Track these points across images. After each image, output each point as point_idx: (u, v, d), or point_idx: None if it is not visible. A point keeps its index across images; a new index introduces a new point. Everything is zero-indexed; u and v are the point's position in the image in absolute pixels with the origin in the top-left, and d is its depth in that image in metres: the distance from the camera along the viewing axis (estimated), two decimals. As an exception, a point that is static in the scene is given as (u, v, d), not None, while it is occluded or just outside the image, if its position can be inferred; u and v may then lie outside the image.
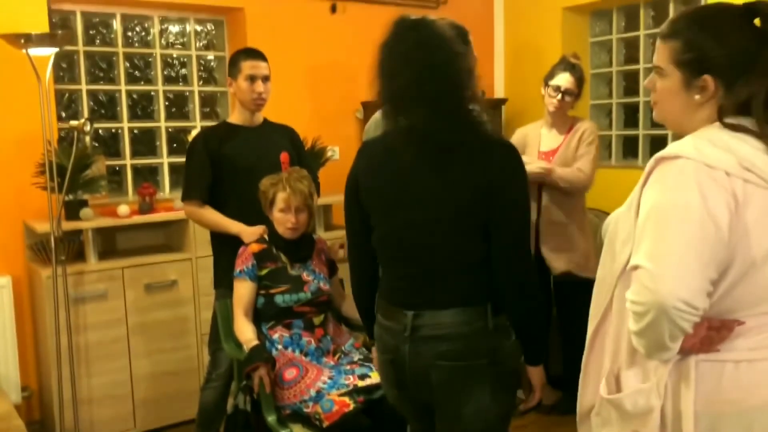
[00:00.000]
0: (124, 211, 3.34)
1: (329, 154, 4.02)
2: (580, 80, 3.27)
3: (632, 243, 1.30)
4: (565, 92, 3.22)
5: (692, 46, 1.33)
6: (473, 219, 1.63)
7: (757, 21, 1.31)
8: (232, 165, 2.76)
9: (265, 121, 2.95)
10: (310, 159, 3.34)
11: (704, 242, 1.21)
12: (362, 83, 4.47)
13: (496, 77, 4.83)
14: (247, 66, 2.79)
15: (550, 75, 3.28)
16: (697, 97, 1.34)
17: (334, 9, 4.18)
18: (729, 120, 1.29)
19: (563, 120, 3.31)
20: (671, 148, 1.30)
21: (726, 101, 1.31)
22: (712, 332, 1.28)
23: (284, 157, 2.85)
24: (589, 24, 4.55)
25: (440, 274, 1.68)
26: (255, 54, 2.83)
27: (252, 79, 2.78)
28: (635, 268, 1.25)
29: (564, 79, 3.24)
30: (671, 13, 4.03)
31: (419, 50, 1.64)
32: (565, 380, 3.50)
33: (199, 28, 4.06)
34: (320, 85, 4.17)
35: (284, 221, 2.55)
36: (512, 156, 1.67)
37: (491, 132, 1.74)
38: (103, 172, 3.49)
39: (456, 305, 1.66)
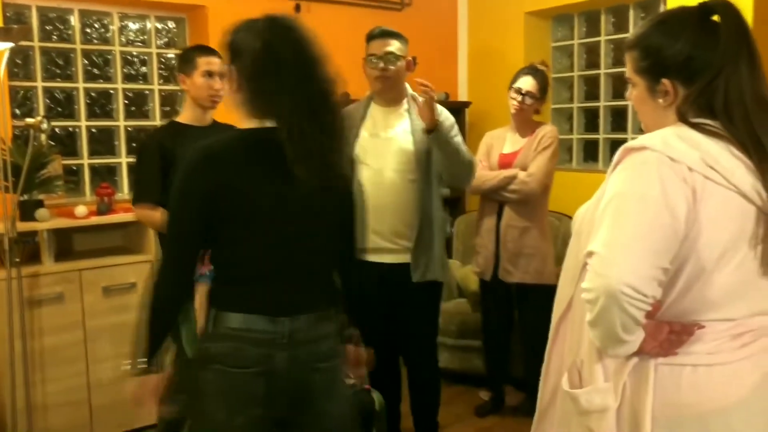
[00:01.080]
0: (82, 211, 3.26)
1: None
2: (543, 85, 3.30)
3: (593, 234, 1.31)
4: (526, 95, 3.26)
5: (649, 53, 1.37)
6: (337, 223, 1.76)
7: (716, 17, 1.33)
8: None
9: (214, 122, 2.91)
10: None
11: (658, 231, 1.23)
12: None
13: (460, 80, 4.86)
14: (204, 62, 2.74)
15: (514, 78, 3.32)
16: (661, 101, 1.37)
17: (298, 8, 4.15)
18: (694, 120, 1.31)
19: (527, 124, 3.34)
20: (640, 139, 1.32)
21: (685, 102, 1.33)
22: (673, 336, 1.30)
23: None
24: (551, 29, 4.61)
25: (316, 278, 1.73)
26: (210, 50, 2.79)
27: (209, 75, 2.74)
28: (590, 254, 1.27)
29: (526, 82, 3.27)
30: (631, 19, 4.11)
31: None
32: (528, 382, 3.54)
33: (159, 25, 3.98)
34: (284, 85, 4.13)
35: None
36: None
37: None
38: (60, 171, 3.40)
39: (324, 308, 1.72)
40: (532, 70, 3.32)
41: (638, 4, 4.09)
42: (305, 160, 1.57)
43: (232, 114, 1.75)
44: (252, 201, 1.62)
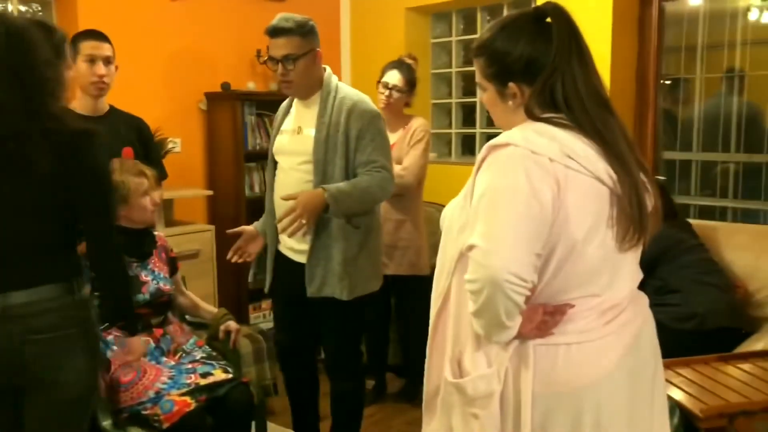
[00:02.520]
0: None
1: (170, 146, 3.87)
2: (409, 78, 3.35)
3: (469, 229, 1.38)
4: (392, 89, 3.32)
5: (494, 60, 1.46)
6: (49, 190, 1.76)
7: (548, 19, 1.44)
8: None
9: (112, 109, 2.78)
10: (156, 151, 3.19)
11: (530, 219, 1.31)
12: (205, 73, 4.39)
13: (343, 74, 4.89)
14: (87, 47, 2.62)
15: (382, 73, 3.38)
16: (510, 103, 1.47)
17: (175, -5, 4.02)
18: (543, 115, 1.41)
19: (397, 118, 3.39)
20: (501, 137, 1.40)
21: (530, 101, 1.43)
22: (547, 317, 1.39)
23: (127, 152, 2.70)
24: (430, 25, 4.72)
25: (29, 254, 1.76)
26: (93, 34, 2.66)
27: (92, 60, 2.62)
28: (470, 248, 1.34)
29: (392, 77, 3.34)
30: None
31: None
32: (406, 368, 3.64)
33: (23, 8, 3.74)
34: (161, 74, 4.00)
35: (148, 205, 2.47)
36: None
37: None
38: None
39: (47, 282, 1.76)
40: (398, 64, 3.38)
41: (512, 3, 4.27)
42: None
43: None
44: None
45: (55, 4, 3.79)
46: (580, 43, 1.43)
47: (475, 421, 1.42)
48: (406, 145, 3.31)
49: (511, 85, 1.45)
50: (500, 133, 1.45)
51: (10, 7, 3.66)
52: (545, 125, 1.39)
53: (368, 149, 2.45)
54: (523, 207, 1.31)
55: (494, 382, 1.39)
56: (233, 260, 2.64)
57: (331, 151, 2.44)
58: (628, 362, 1.42)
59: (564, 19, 1.43)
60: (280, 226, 2.29)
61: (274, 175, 2.63)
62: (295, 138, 2.55)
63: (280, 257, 2.63)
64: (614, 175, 1.38)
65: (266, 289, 2.71)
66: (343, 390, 2.70)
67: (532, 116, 1.42)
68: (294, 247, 2.56)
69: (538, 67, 1.41)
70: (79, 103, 2.70)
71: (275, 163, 2.63)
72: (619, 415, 1.41)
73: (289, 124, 2.60)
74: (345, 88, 2.54)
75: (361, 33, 4.82)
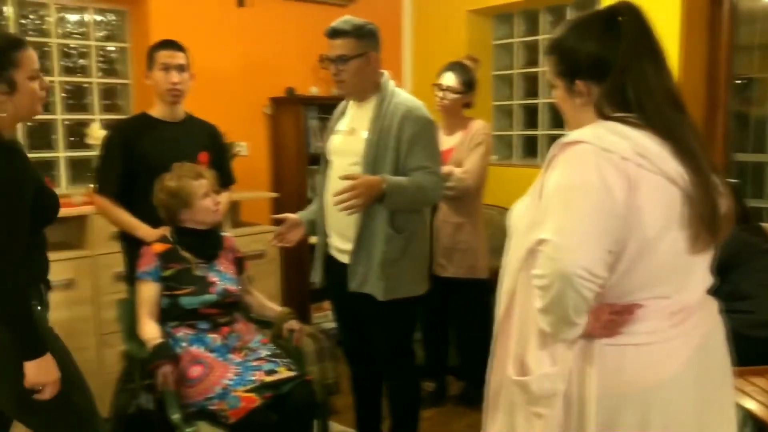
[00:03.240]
0: (18, 207, 3.18)
1: (237, 150, 3.98)
2: (465, 79, 3.33)
3: (538, 226, 1.38)
4: (447, 90, 3.31)
5: (563, 57, 1.47)
6: None
7: (621, 18, 1.42)
8: (146, 161, 2.69)
9: (189, 116, 2.89)
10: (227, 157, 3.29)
11: (602, 215, 1.31)
12: (270, 79, 4.49)
13: (404, 78, 4.92)
14: (161, 56, 2.74)
15: (439, 75, 3.38)
16: (578, 101, 1.47)
17: (241, 2, 4.13)
18: (615, 115, 1.40)
19: (455, 120, 3.38)
20: (573, 134, 1.40)
21: (600, 100, 1.43)
22: (614, 316, 1.38)
23: (203, 157, 2.80)
24: (492, 27, 4.70)
25: None
26: (168, 44, 2.78)
27: (166, 68, 2.73)
28: (541, 242, 1.34)
29: (446, 78, 3.33)
30: (569, 18, 4.22)
31: None
32: (466, 371, 3.62)
33: (99, 18, 3.91)
34: (228, 80, 4.12)
35: (211, 206, 2.54)
36: None
37: None
38: (-5, 166, 3.31)
39: None
40: (453, 66, 3.37)
41: (575, 3, 4.21)
42: None
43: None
44: None
45: (129, 14, 3.96)
46: (653, 43, 1.42)
47: (539, 420, 1.42)
48: (466, 149, 3.30)
49: (578, 82, 1.45)
50: (563, 133, 1.45)
51: (87, 17, 3.83)
52: (616, 124, 1.38)
53: (420, 155, 2.47)
54: (595, 202, 1.32)
55: (558, 381, 1.39)
56: (274, 245, 2.75)
57: (382, 153, 2.47)
58: (697, 366, 1.40)
59: (636, 18, 1.42)
60: (335, 198, 2.32)
61: (326, 174, 2.68)
62: (348, 139, 2.59)
63: (329, 259, 2.68)
64: (686, 177, 1.36)
65: (318, 284, 2.77)
66: (396, 389, 2.74)
67: (603, 115, 1.41)
68: (339, 247, 2.61)
69: (607, 66, 1.40)
70: (157, 110, 2.82)
71: (327, 162, 2.68)
72: (686, 419, 1.39)
73: (343, 125, 2.65)
74: (401, 94, 2.57)
75: (423, 36, 4.84)
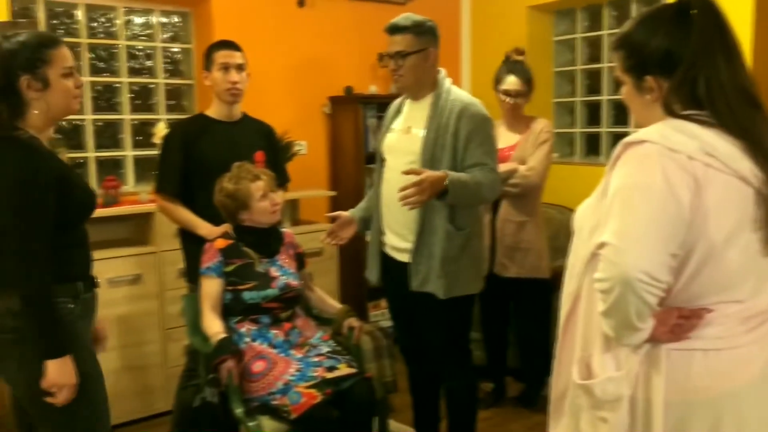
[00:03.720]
0: (88, 204, 3.29)
1: (297, 148, 4.02)
2: (527, 79, 3.30)
3: (601, 228, 1.35)
4: (516, 95, 3.28)
5: (631, 52, 1.42)
6: None
7: (693, 12, 1.37)
8: (205, 161, 2.75)
9: (245, 116, 2.94)
10: (283, 156, 3.33)
11: (666, 219, 1.27)
12: (329, 78, 4.52)
13: (463, 75, 4.89)
14: (220, 56, 2.78)
15: (497, 79, 3.34)
16: (647, 97, 1.42)
17: (301, 3, 4.17)
18: (684, 112, 1.35)
19: (518, 119, 3.36)
20: (638, 133, 1.36)
21: (669, 96, 1.37)
22: (682, 320, 1.34)
23: (259, 156, 2.84)
24: (553, 23, 4.62)
25: None
26: (227, 44, 2.82)
27: (226, 68, 2.77)
28: (602, 246, 1.31)
29: (510, 83, 3.29)
30: (633, 13, 4.12)
31: None
32: (525, 372, 3.57)
33: (164, 19, 4.01)
34: (288, 79, 4.17)
35: (268, 207, 2.57)
36: None
37: None
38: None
39: None
40: (511, 67, 3.33)
41: (640, -2, 4.10)
42: None
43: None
44: None
45: (192, 16, 4.04)
46: (727, 38, 1.36)
47: (604, 425, 1.39)
48: (530, 146, 3.26)
49: (647, 78, 1.40)
50: (627, 131, 1.41)
51: (153, 19, 3.94)
52: (684, 122, 1.33)
53: (477, 152, 2.45)
54: (658, 205, 1.27)
55: (623, 386, 1.36)
56: (327, 243, 2.77)
57: (439, 151, 2.46)
58: None
59: (710, 12, 1.36)
60: (401, 194, 2.31)
61: (381, 173, 2.67)
62: (404, 137, 2.59)
63: (385, 257, 2.68)
64: (761, 175, 1.30)
65: (375, 283, 2.78)
66: (453, 388, 2.73)
67: (672, 113, 1.36)
68: (397, 245, 2.61)
69: (677, 61, 1.36)
70: (214, 110, 2.87)
71: (383, 161, 2.67)
72: (764, 430, 1.33)
73: (399, 123, 2.65)
74: (457, 91, 2.55)
75: (482, 33, 4.79)
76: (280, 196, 2.68)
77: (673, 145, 1.30)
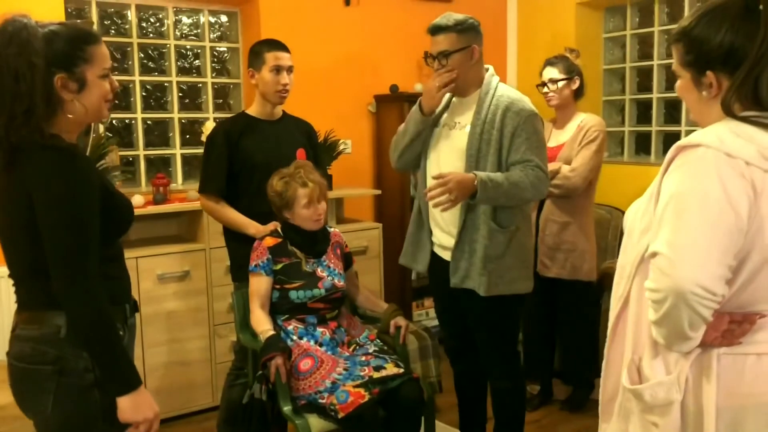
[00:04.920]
0: (138, 201, 3.35)
1: (342, 147, 4.03)
2: (565, 67, 3.23)
3: (652, 233, 1.31)
4: (549, 82, 3.23)
5: (693, 46, 1.36)
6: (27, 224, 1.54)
7: (761, 7, 1.30)
8: (249, 160, 2.76)
9: (285, 114, 2.94)
10: (323, 154, 3.33)
11: (723, 229, 1.23)
12: (375, 76, 4.52)
13: (509, 72, 4.83)
14: (272, 57, 2.77)
15: (540, 75, 3.30)
16: (704, 93, 1.37)
17: (348, 2, 4.18)
18: (744, 113, 1.30)
19: (566, 115, 3.30)
20: (693, 136, 1.31)
21: (729, 95, 1.32)
22: (734, 325, 1.30)
23: (301, 153, 2.84)
24: (602, 19, 4.53)
25: (21, 277, 1.63)
26: (278, 45, 2.81)
27: (277, 70, 2.77)
28: (654, 255, 1.27)
29: (546, 73, 3.26)
30: (686, 9, 4.01)
31: None
32: (571, 375, 3.51)
33: (213, 19, 4.06)
34: (333, 78, 4.18)
35: (311, 216, 2.55)
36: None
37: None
38: (117, 162, 3.49)
39: (30, 309, 1.60)
40: (550, 60, 3.29)
41: (695, -7, 3.99)
42: None
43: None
44: None
45: (240, 15, 4.08)
46: None
47: (655, 429, 1.36)
48: (577, 145, 3.19)
49: (709, 73, 1.35)
50: (678, 130, 1.36)
51: (201, 18, 3.99)
52: (743, 124, 1.28)
53: (522, 148, 2.41)
54: (714, 215, 1.23)
55: (674, 391, 1.33)
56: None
57: (485, 147, 2.44)
58: None
59: None
60: (429, 194, 2.30)
61: (426, 169, 2.64)
62: (450, 133, 2.56)
63: (433, 256, 2.65)
64: None
65: (422, 271, 2.75)
66: (500, 389, 2.70)
67: (730, 113, 1.31)
68: (443, 243, 2.58)
69: (741, 58, 1.30)
70: (256, 109, 2.87)
71: (428, 157, 2.64)
72: None
73: (445, 119, 2.62)
74: (504, 88, 2.52)
75: (529, 30, 4.73)
76: (325, 206, 2.62)
77: (730, 150, 1.25)
